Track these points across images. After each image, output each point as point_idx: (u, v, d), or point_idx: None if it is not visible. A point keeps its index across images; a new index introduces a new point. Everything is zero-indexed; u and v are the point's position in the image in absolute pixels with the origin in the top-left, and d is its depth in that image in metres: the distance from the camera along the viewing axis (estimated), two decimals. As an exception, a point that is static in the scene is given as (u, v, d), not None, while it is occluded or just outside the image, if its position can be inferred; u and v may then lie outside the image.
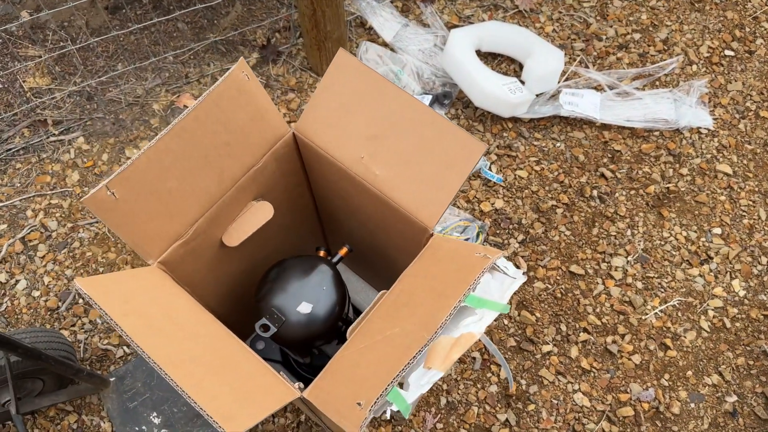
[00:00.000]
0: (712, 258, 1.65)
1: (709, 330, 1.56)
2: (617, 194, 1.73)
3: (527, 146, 1.79)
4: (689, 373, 1.51)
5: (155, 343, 0.76)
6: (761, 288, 1.61)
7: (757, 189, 1.74)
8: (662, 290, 1.60)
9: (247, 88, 0.96)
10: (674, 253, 1.65)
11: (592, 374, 1.50)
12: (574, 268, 1.62)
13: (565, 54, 1.94)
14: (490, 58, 1.95)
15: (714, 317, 1.57)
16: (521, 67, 1.91)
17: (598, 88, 1.87)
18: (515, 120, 1.83)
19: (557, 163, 1.77)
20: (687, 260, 1.64)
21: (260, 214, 1.06)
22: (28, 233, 1.65)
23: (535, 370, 1.50)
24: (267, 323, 1.03)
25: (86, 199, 0.84)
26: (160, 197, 0.91)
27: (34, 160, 1.76)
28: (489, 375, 1.49)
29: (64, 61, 1.92)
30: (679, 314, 1.58)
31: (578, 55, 1.95)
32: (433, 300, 0.83)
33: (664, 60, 1.94)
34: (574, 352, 1.52)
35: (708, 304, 1.59)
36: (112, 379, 1.45)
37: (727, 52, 1.97)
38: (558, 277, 1.61)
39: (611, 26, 2.01)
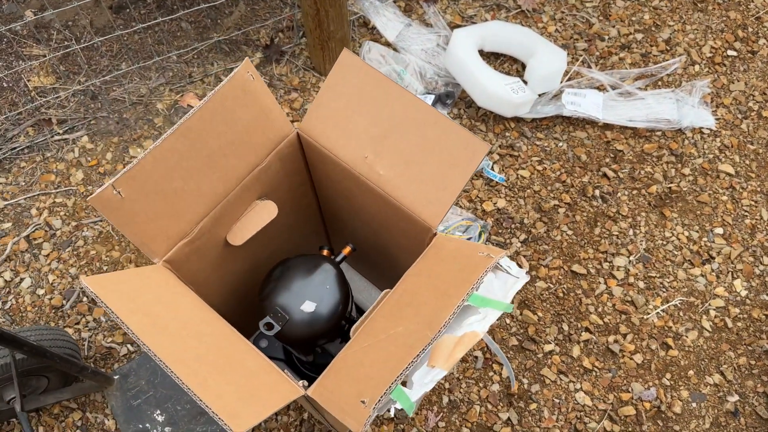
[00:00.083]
0: (713, 258, 1.65)
1: (710, 330, 1.56)
2: (619, 194, 1.73)
3: (529, 146, 1.80)
4: (691, 372, 1.51)
5: (161, 341, 0.77)
6: (763, 288, 1.62)
7: (759, 189, 1.75)
8: (664, 290, 1.61)
9: (252, 88, 0.96)
10: (676, 252, 1.65)
11: (594, 373, 1.51)
12: (576, 267, 1.62)
13: (568, 54, 1.95)
14: (492, 57, 1.96)
15: (716, 317, 1.58)
16: (524, 66, 1.91)
17: (601, 88, 1.88)
18: (518, 120, 1.83)
19: (559, 162, 1.77)
20: (689, 260, 1.65)
21: (264, 213, 1.07)
22: (33, 232, 1.66)
23: (537, 369, 1.51)
24: (271, 321, 1.04)
25: (92, 198, 0.84)
26: (165, 196, 0.91)
27: (38, 158, 1.76)
28: (491, 374, 1.49)
29: (69, 61, 1.93)
30: (681, 314, 1.58)
31: (581, 55, 1.95)
32: (437, 299, 0.83)
33: (667, 60, 1.94)
34: (575, 351, 1.53)
35: (710, 304, 1.59)
36: (116, 377, 1.46)
37: (730, 52, 1.97)
38: (560, 277, 1.61)
39: (614, 26, 2.01)
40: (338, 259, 1.17)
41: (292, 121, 1.82)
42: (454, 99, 1.85)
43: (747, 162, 1.79)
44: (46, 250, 1.63)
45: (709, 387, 1.50)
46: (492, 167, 1.76)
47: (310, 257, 1.12)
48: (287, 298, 1.06)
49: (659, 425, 1.46)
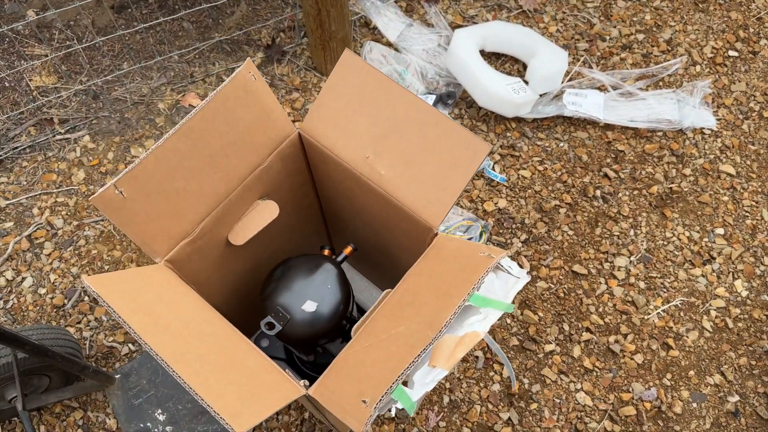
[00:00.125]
0: (714, 258, 1.65)
1: (711, 330, 1.57)
2: (620, 194, 1.73)
3: (530, 146, 1.80)
4: (691, 372, 1.52)
5: (163, 341, 0.77)
6: (764, 288, 1.62)
7: (760, 190, 1.75)
8: (665, 290, 1.61)
9: (254, 88, 0.96)
10: (677, 253, 1.66)
11: (595, 373, 1.51)
12: (576, 267, 1.62)
13: (569, 54, 1.95)
14: (493, 58, 1.96)
15: (716, 317, 1.58)
16: (525, 67, 1.91)
17: (602, 88, 1.88)
18: (519, 120, 1.83)
19: (560, 163, 1.77)
20: (690, 260, 1.65)
21: (266, 213, 1.07)
22: (35, 231, 1.66)
23: (537, 369, 1.51)
24: (272, 321, 1.04)
25: (94, 198, 0.85)
26: (167, 196, 0.92)
27: (40, 158, 1.77)
28: (492, 374, 1.50)
29: (70, 60, 1.93)
30: (682, 314, 1.58)
31: (582, 56, 1.95)
32: (438, 299, 0.83)
33: (668, 60, 1.94)
34: (576, 351, 1.53)
35: (710, 304, 1.59)
36: (117, 376, 1.46)
37: (731, 53, 1.97)
38: (561, 277, 1.61)
39: (615, 26, 2.01)
40: (339, 259, 1.17)
41: (294, 121, 1.82)
42: (455, 99, 1.85)
43: (748, 162, 1.79)
44: (48, 249, 1.64)
45: (709, 387, 1.50)
46: (493, 167, 1.76)
47: (311, 257, 1.12)
48: (288, 297, 1.06)
49: (660, 425, 1.46)
